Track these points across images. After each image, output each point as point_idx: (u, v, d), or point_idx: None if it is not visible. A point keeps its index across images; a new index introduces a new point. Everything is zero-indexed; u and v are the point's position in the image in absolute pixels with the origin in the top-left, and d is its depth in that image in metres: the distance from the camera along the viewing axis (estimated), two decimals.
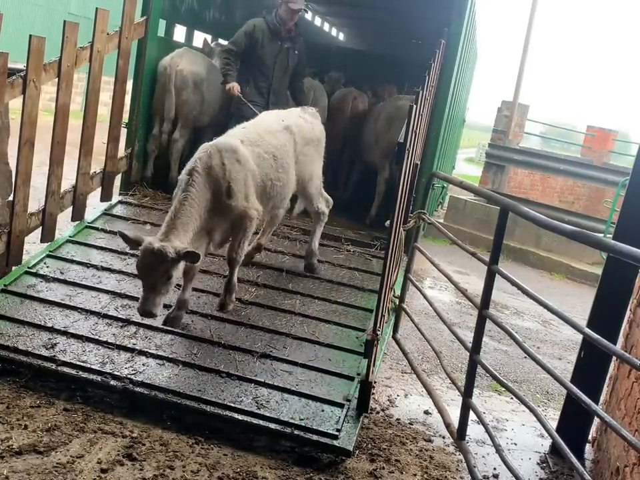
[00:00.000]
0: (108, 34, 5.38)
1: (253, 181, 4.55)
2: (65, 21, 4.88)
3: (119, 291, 4.66)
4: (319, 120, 5.55)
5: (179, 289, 4.45)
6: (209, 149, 4.38)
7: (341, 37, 16.40)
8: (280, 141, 4.90)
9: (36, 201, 5.08)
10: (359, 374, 4.14)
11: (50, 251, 5.00)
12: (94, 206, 5.96)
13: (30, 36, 4.51)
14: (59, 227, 5.45)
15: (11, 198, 4.66)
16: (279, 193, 4.89)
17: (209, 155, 4.33)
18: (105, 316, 4.35)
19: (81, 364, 3.88)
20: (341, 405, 3.89)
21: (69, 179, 5.47)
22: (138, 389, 3.78)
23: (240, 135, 4.69)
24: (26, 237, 4.88)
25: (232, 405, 3.74)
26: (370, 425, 4.30)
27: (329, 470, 3.60)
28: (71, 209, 5.44)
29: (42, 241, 5.12)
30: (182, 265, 4.11)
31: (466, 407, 3.87)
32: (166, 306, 4.45)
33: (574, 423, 4.37)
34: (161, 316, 4.32)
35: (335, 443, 3.63)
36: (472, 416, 3.90)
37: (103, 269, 4.92)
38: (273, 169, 4.77)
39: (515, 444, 4.58)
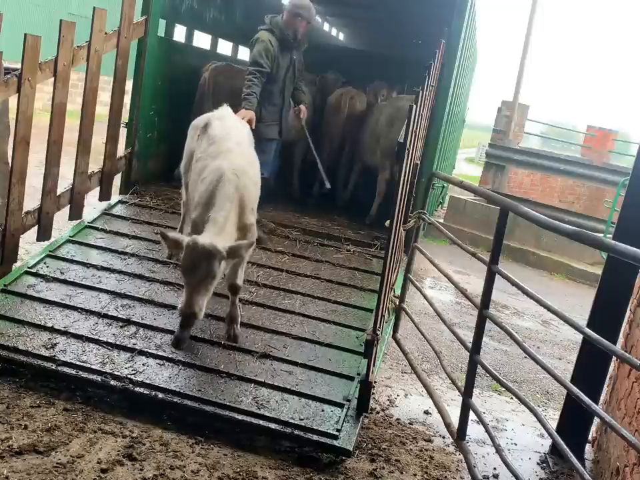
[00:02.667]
0: (106, 33, 5.38)
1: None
2: (61, 20, 4.87)
3: (118, 291, 4.66)
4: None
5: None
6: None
7: (341, 37, 16.40)
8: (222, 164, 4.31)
9: (36, 201, 5.07)
10: (359, 374, 4.14)
11: (50, 251, 5.00)
12: (94, 206, 5.95)
13: (25, 34, 4.48)
14: (59, 227, 5.45)
15: None
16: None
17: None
18: (105, 316, 4.35)
19: (81, 364, 3.87)
20: (340, 405, 3.89)
21: (68, 178, 5.47)
22: (138, 389, 3.78)
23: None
24: (22, 235, 4.87)
25: (232, 404, 3.74)
26: (370, 424, 4.30)
27: (328, 470, 3.60)
28: (68, 207, 5.43)
29: (38, 239, 5.10)
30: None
31: (466, 407, 3.87)
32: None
33: (574, 423, 4.38)
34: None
35: (335, 443, 3.63)
36: (472, 416, 3.90)
37: (103, 268, 4.92)
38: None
39: (515, 444, 4.58)
